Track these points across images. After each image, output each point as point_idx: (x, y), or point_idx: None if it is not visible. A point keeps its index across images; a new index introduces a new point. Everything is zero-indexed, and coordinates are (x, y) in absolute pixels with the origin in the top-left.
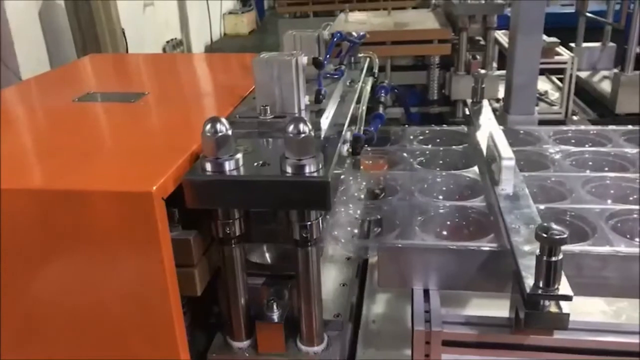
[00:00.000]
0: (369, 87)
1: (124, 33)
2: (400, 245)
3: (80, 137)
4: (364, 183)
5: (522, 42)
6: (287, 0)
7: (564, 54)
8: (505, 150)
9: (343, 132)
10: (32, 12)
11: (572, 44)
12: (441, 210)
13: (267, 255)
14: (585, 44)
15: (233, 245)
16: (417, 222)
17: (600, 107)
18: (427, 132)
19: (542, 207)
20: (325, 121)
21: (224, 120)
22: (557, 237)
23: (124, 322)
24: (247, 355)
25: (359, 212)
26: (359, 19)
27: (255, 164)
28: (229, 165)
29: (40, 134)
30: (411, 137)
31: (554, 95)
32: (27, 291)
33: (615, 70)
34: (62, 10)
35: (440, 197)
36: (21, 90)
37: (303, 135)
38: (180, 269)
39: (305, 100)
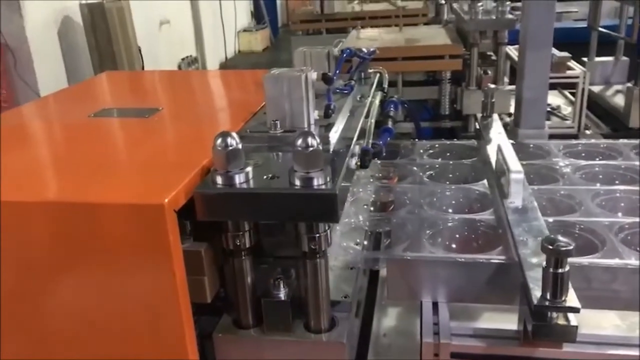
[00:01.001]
0: (377, 102)
1: (140, 51)
2: (408, 258)
3: (94, 151)
4: (374, 195)
5: (531, 56)
6: (300, 18)
7: (576, 69)
8: (514, 163)
9: (351, 146)
10: (52, 30)
11: (585, 59)
12: (450, 224)
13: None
14: (598, 59)
15: (243, 257)
16: (426, 235)
17: (613, 121)
18: (436, 146)
19: (550, 220)
20: (334, 135)
21: (234, 134)
22: (563, 248)
23: (136, 329)
24: (254, 334)
25: (368, 223)
26: (371, 35)
27: (265, 177)
28: (239, 179)
29: (56, 149)
30: (421, 151)
31: (567, 109)
32: (42, 301)
33: (629, 85)
34: (80, 28)
35: (449, 210)
36: (39, 107)
37: (311, 148)
38: (191, 277)
39: (315, 115)
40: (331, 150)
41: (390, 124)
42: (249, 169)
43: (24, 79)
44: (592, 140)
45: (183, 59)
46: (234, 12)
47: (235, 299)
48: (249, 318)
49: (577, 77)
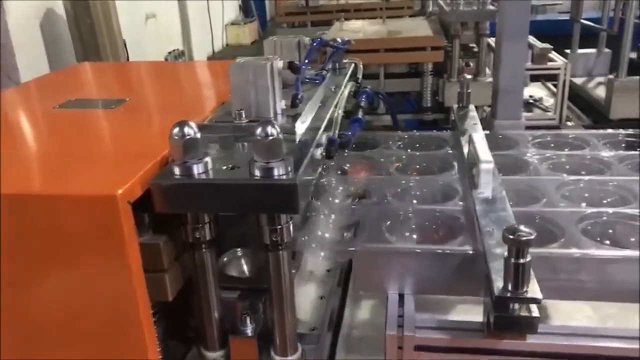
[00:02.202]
0: (347, 92)
1: (125, 44)
2: (374, 250)
3: (52, 143)
4: (341, 187)
5: (508, 47)
6: (285, 10)
7: (558, 60)
8: (485, 154)
9: (318, 136)
10: (34, 23)
11: (568, 51)
12: (415, 215)
13: (244, 267)
14: (580, 51)
15: (204, 250)
16: (391, 226)
17: (595, 113)
18: (407, 137)
19: (518, 209)
20: (300, 125)
21: (192, 123)
22: (524, 238)
23: (93, 327)
24: None
25: (333, 217)
26: (354, 27)
27: (225, 167)
28: (197, 169)
29: (13, 141)
30: (392, 142)
31: (549, 101)
32: None
33: (610, 76)
34: (63, 21)
35: (415, 201)
36: (5, 98)
37: (271, 138)
38: (150, 274)
39: (282, 104)
40: (297, 140)
41: (360, 114)
42: (208, 159)
43: (7, 73)
44: (563, 131)
45: (170, 53)
46: (222, 5)
47: (197, 298)
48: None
49: (558, 69)
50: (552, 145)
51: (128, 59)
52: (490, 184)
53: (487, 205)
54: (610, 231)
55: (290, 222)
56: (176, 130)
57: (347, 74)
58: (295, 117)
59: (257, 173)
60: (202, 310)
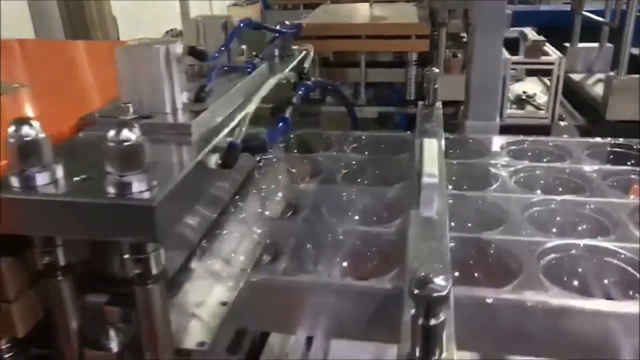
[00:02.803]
0: (275, 82)
1: (116, 22)
2: (276, 281)
3: None
4: (270, 197)
5: (482, 38)
6: None
7: (552, 54)
8: (430, 166)
9: (217, 139)
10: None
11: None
12: (346, 237)
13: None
14: (581, 45)
15: (59, 279)
16: (314, 250)
17: (590, 113)
18: (364, 138)
19: (468, 236)
20: (199, 124)
21: (34, 122)
22: (435, 294)
23: None
24: None
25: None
26: (338, 10)
27: (77, 178)
28: (39, 180)
29: None
30: (347, 143)
31: (543, 98)
32: None
33: (611, 73)
34: None
35: (356, 217)
36: None
37: (127, 143)
38: None
39: (184, 97)
40: (192, 143)
41: (288, 112)
42: (57, 167)
43: None
44: (541, 138)
45: (167, 32)
46: None
47: (54, 335)
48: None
49: (551, 64)
50: (529, 154)
51: (118, 37)
52: (434, 202)
53: (423, 229)
54: (579, 269)
55: (161, 248)
56: (12, 130)
57: (293, 64)
58: (197, 114)
59: (109, 188)
60: (59, 346)
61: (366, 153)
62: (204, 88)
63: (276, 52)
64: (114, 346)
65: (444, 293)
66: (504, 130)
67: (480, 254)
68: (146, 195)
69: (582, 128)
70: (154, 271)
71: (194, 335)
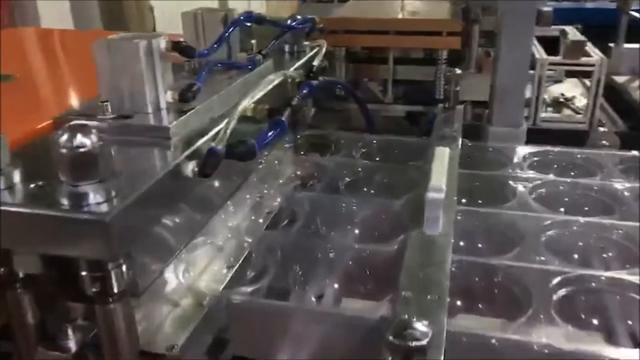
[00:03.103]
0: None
1: (152, 10)
2: (253, 304)
3: None
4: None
5: (510, 35)
6: None
7: (594, 55)
8: (438, 177)
9: (198, 144)
10: None
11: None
12: (338, 255)
13: None
14: (627, 45)
15: (18, 290)
16: (301, 269)
17: (633, 118)
18: (376, 142)
19: (470, 260)
20: (180, 127)
21: None
22: (413, 344)
23: None
24: None
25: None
26: (368, 5)
27: (33, 185)
28: None
29: None
30: (356, 147)
31: (582, 101)
32: None
33: None
34: None
35: (356, 231)
36: None
37: (81, 150)
38: None
39: (168, 96)
40: (171, 147)
41: (285, 115)
42: (15, 171)
43: None
44: (569, 149)
45: None
46: None
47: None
48: None
49: (592, 65)
50: (554, 166)
51: (155, 29)
52: (439, 220)
53: (422, 251)
54: (601, 307)
55: (124, 264)
56: None
57: (300, 61)
58: (181, 115)
59: (61, 198)
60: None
61: (377, 159)
62: (191, 87)
63: (286, 49)
64: (72, 346)
65: (423, 342)
66: (538, 134)
67: (486, 282)
68: (100, 208)
69: (623, 135)
70: (116, 289)
71: (166, 338)
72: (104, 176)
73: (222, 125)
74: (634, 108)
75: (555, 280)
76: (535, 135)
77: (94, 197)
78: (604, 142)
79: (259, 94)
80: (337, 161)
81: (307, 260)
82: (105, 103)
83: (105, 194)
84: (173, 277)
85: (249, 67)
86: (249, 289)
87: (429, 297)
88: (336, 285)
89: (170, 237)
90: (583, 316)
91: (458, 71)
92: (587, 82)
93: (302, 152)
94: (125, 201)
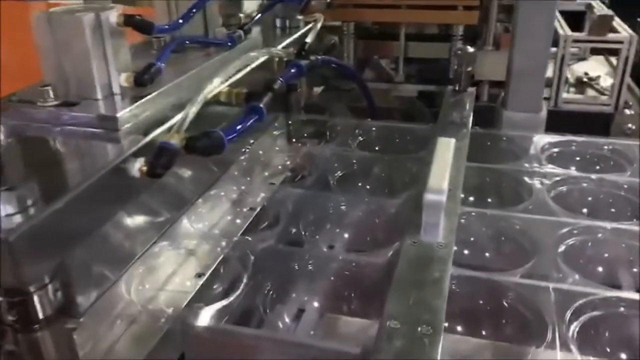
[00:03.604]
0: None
1: None
2: (212, 331)
3: None
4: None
5: (529, 9)
6: None
7: (622, 31)
8: (438, 175)
9: (149, 138)
10: None
11: None
12: (319, 266)
13: None
14: None
15: None
16: (276, 284)
17: None
18: (375, 129)
19: (474, 275)
20: (130, 117)
21: None
22: None
23: None
24: None
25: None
26: None
27: None
28: None
29: None
30: (353, 135)
31: (607, 81)
32: None
33: None
34: None
35: (345, 235)
36: None
37: None
38: None
39: (122, 79)
40: (120, 142)
41: (264, 101)
42: None
43: None
44: (595, 139)
45: None
46: None
47: None
48: None
49: (620, 42)
50: (577, 159)
51: None
52: (439, 225)
53: (417, 265)
54: (626, 334)
55: (50, 284)
56: None
57: (291, 38)
58: (134, 101)
59: None
60: None
61: (376, 149)
62: (149, 68)
63: (277, 24)
64: None
65: None
66: (558, 117)
67: (492, 302)
68: (4, 223)
69: None
70: (41, 314)
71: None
72: (15, 182)
73: (180, 115)
74: None
75: (577, 304)
76: (556, 118)
77: (2, 209)
78: (630, 126)
79: (234, 75)
80: (330, 152)
81: (286, 271)
82: (47, 88)
83: (17, 205)
84: (127, 292)
85: (229, 44)
86: (216, 307)
87: (419, 329)
88: (316, 304)
89: (119, 246)
90: (608, 349)
91: (470, 49)
92: (614, 60)
93: (293, 141)
94: (40, 213)
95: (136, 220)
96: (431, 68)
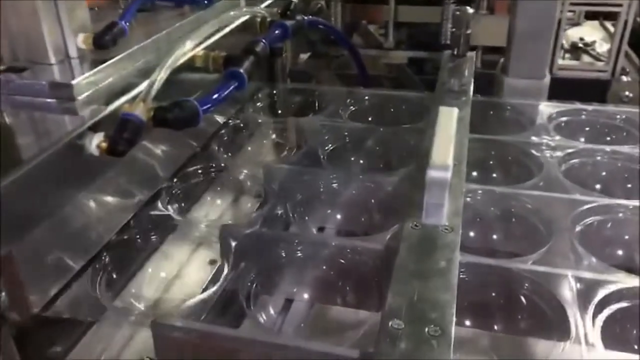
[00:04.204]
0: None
1: None
2: (179, 328)
3: None
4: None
5: None
6: None
7: None
8: (442, 149)
9: (111, 109)
10: None
11: None
12: (306, 252)
13: None
14: None
15: None
16: (262, 270)
17: None
18: (367, 98)
19: (484, 262)
20: (88, 85)
21: None
22: None
23: None
24: None
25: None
26: None
27: None
28: None
29: None
30: (344, 105)
31: (603, 46)
32: None
33: None
34: None
35: (337, 217)
36: None
37: None
38: None
39: (79, 41)
40: (77, 114)
41: (245, 66)
42: None
43: None
44: (606, 107)
45: None
46: None
47: None
48: None
49: (619, 5)
50: (587, 129)
51: None
52: (444, 206)
53: (420, 251)
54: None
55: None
56: None
57: None
58: (93, 66)
59: None
60: None
61: (369, 119)
62: (111, 28)
63: None
64: None
65: None
66: (552, 84)
67: (505, 292)
68: None
69: None
70: None
71: None
72: None
73: (147, 82)
74: None
75: (600, 295)
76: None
77: None
78: (627, 93)
79: (211, 36)
80: (320, 123)
81: (272, 258)
82: None
83: None
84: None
85: (205, 2)
86: (193, 302)
87: (427, 329)
88: (306, 295)
89: (79, 234)
90: (636, 346)
91: (470, 10)
92: (609, 25)
93: (279, 112)
94: None
95: (100, 204)
96: (422, 33)
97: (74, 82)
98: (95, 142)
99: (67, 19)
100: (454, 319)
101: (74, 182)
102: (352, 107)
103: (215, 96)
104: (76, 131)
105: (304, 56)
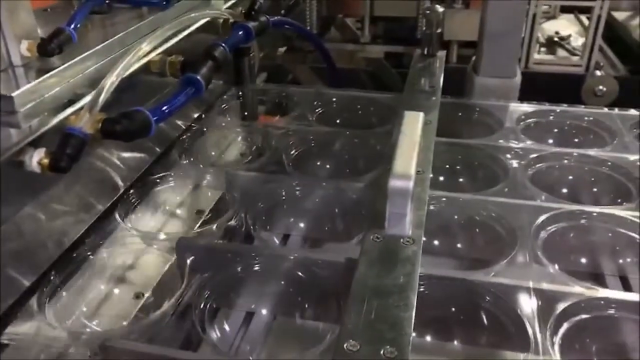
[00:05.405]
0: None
1: None
2: (116, 346)
3: None
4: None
5: None
6: None
7: None
8: (405, 157)
9: (55, 123)
10: None
11: None
12: (264, 266)
13: None
14: None
15: None
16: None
17: (635, 61)
18: (335, 100)
19: (447, 275)
20: (30, 96)
21: None
22: None
23: None
24: None
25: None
26: None
27: None
28: None
29: None
30: (311, 107)
31: (578, 40)
32: None
33: None
34: None
35: (303, 224)
36: None
37: None
38: None
39: (23, 48)
40: (20, 125)
41: (202, 71)
42: None
43: None
44: (575, 108)
45: None
46: None
47: None
48: None
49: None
50: (555, 130)
51: None
52: (406, 217)
53: (379, 265)
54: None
55: None
56: None
57: None
58: (38, 76)
59: None
60: None
61: (337, 122)
62: (57, 35)
63: None
64: None
65: None
66: (527, 79)
67: (466, 304)
68: None
69: (623, 79)
70: None
71: None
72: None
73: (92, 93)
74: (635, 49)
75: (563, 305)
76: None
77: None
78: (601, 87)
79: (169, 40)
80: (285, 127)
81: (231, 268)
82: None
83: None
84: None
85: (163, 2)
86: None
87: (382, 351)
88: (264, 311)
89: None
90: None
91: (440, 9)
92: (585, 18)
93: (245, 114)
94: None
95: (47, 219)
96: (398, 28)
97: (14, 94)
98: (36, 159)
99: (9, 24)
100: (411, 339)
101: (12, 202)
102: (319, 109)
103: (168, 105)
104: (16, 147)
105: (281, 50)
